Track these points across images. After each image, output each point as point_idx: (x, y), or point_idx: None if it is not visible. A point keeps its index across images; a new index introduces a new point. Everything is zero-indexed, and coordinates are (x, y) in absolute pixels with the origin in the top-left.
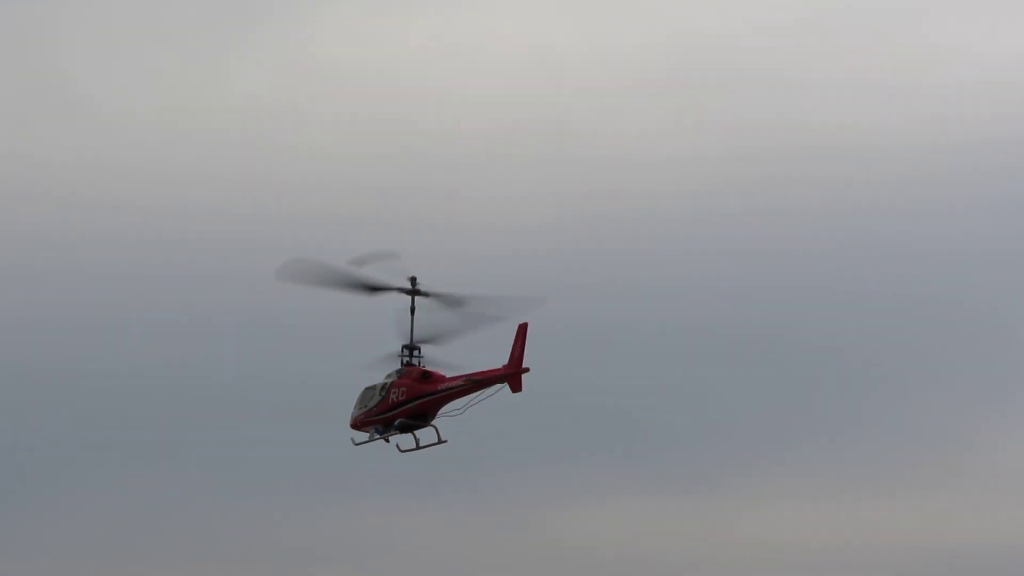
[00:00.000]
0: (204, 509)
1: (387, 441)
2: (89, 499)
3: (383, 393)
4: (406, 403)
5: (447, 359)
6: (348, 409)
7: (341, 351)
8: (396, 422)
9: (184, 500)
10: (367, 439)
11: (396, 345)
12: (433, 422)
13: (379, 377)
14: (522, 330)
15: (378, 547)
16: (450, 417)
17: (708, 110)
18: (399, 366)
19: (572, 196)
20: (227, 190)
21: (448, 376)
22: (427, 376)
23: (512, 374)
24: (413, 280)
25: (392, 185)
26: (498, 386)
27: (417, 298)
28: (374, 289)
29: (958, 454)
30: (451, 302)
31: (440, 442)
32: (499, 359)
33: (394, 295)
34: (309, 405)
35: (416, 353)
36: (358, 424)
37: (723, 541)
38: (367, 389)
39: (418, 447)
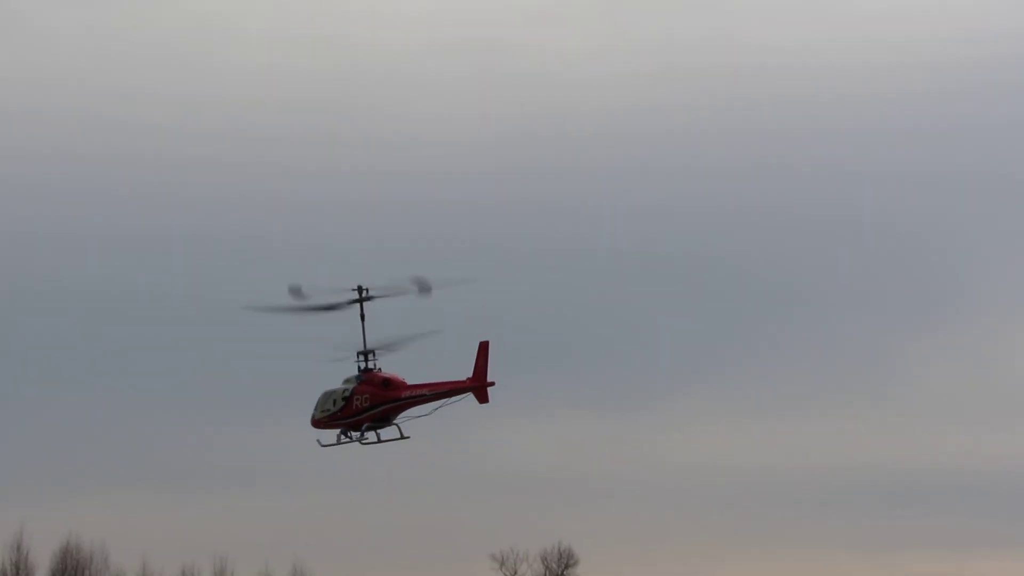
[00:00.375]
0: (139, 426)
1: (352, 439)
2: (20, 414)
3: (346, 399)
4: (370, 410)
5: (401, 363)
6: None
7: (276, 275)
8: (364, 426)
9: (120, 416)
10: (335, 441)
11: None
12: (395, 421)
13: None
14: (484, 347)
15: (311, 466)
16: (417, 418)
17: (641, 28)
18: (356, 372)
19: (503, 114)
20: (162, 106)
21: (409, 383)
22: (388, 383)
23: (478, 387)
24: (360, 289)
25: (324, 99)
26: (462, 395)
27: (366, 304)
28: (328, 308)
29: (882, 376)
30: (414, 288)
31: (402, 438)
32: (456, 363)
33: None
34: (247, 324)
35: (371, 357)
36: (322, 425)
37: (650, 459)
38: (326, 393)
39: (379, 441)
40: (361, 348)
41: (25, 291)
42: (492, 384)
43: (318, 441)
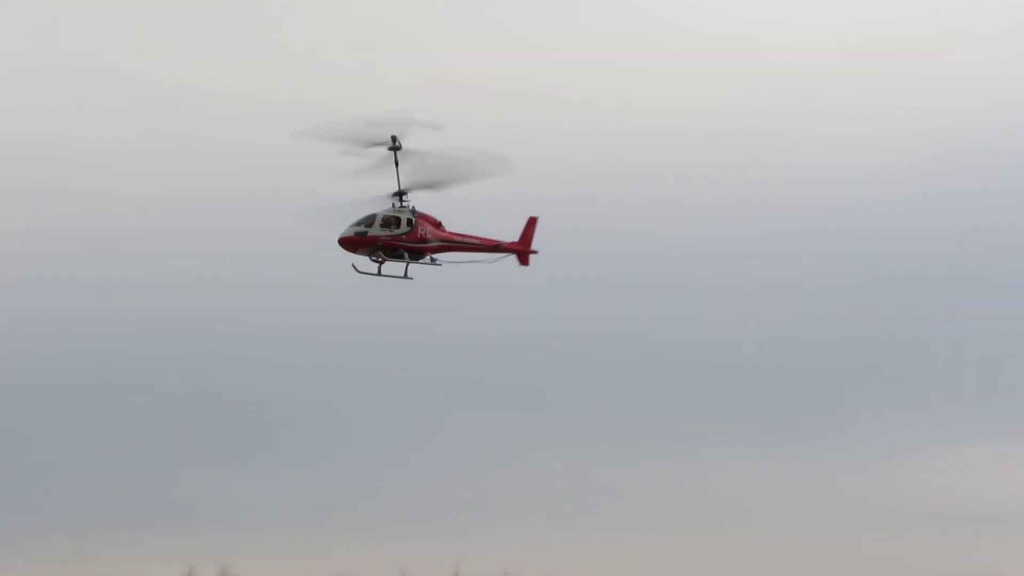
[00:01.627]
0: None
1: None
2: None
3: (411, 226)
4: (430, 242)
5: (430, 208)
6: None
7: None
8: (426, 255)
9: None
10: (374, 262)
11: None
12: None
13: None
14: (532, 221)
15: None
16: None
17: None
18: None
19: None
20: None
21: (450, 231)
22: (440, 225)
23: (523, 251)
24: (394, 138)
25: None
26: (503, 256)
27: (399, 152)
28: (369, 145)
29: None
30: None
31: (406, 277)
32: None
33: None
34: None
35: (404, 198)
36: (367, 242)
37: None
38: (371, 214)
39: (379, 273)
40: (396, 190)
41: None
42: (535, 252)
43: (354, 266)
